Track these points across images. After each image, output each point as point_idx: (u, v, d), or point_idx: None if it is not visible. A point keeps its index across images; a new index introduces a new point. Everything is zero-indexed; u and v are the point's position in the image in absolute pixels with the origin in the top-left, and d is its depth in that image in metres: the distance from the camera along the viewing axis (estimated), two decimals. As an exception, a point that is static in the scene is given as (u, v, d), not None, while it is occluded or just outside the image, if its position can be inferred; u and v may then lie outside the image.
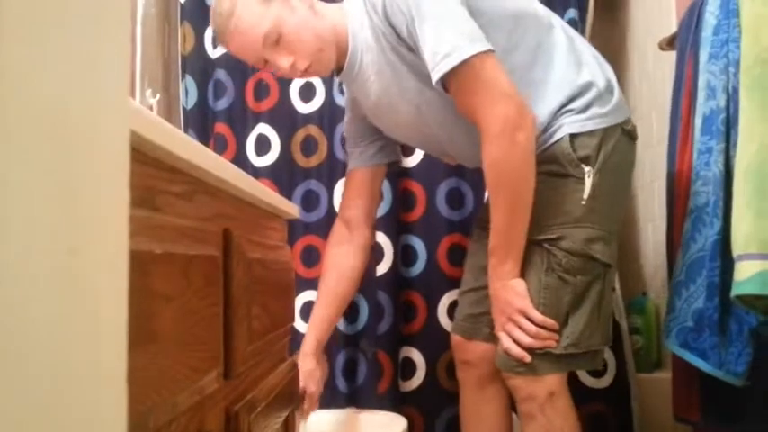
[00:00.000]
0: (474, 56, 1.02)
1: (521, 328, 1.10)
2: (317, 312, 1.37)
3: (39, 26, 0.20)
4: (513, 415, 1.35)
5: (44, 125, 0.20)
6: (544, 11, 1.23)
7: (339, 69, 1.23)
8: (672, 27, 1.65)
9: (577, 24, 1.68)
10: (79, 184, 0.23)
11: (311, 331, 1.35)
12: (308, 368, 1.31)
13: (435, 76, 1.05)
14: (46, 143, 0.20)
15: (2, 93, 0.18)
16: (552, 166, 1.12)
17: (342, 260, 1.37)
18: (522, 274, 1.12)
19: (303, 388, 1.29)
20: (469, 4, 1.11)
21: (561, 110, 1.14)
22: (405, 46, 1.12)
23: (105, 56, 0.24)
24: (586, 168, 1.12)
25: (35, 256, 0.20)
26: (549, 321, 1.09)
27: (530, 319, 1.09)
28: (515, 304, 1.10)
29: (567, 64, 1.17)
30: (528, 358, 1.09)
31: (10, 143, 0.18)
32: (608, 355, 1.62)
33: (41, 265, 0.20)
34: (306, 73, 1.19)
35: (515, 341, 1.10)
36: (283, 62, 1.16)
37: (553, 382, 1.11)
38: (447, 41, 1.03)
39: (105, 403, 0.25)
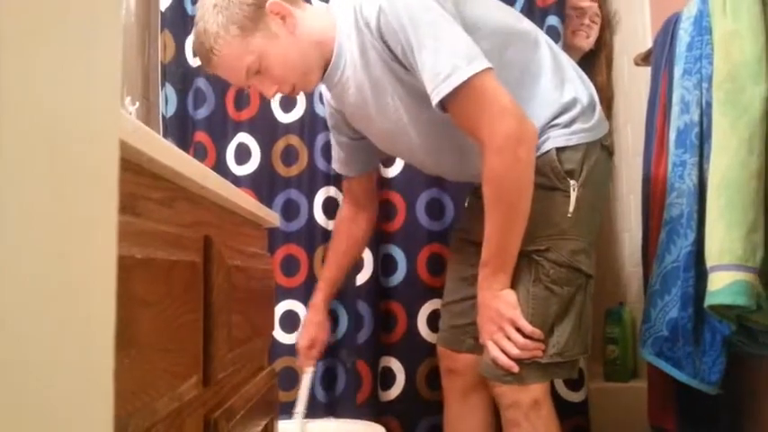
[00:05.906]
0: (473, 76, 1.02)
1: (509, 338, 1.10)
2: (324, 274, 1.52)
3: (35, 34, 0.20)
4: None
5: (37, 132, 0.21)
6: (530, 26, 1.24)
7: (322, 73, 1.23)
8: (647, 43, 1.68)
9: (558, 32, 1.69)
10: (70, 190, 0.23)
11: (320, 286, 1.50)
12: (319, 318, 1.47)
13: (435, 99, 1.04)
14: (38, 149, 0.21)
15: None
16: (539, 179, 1.12)
17: (350, 225, 1.50)
18: (511, 285, 1.13)
19: (313, 336, 1.45)
20: (463, 18, 1.11)
21: (547, 125, 1.16)
22: (398, 63, 1.11)
23: (98, 65, 0.25)
24: (572, 182, 1.14)
25: (26, 260, 0.20)
26: (538, 332, 1.10)
27: (518, 330, 1.10)
28: (506, 314, 1.11)
29: (553, 83, 1.18)
30: (516, 369, 1.10)
31: (2, 148, 0.19)
32: (583, 366, 1.62)
33: (32, 269, 0.21)
34: (292, 93, 1.21)
35: (503, 351, 1.11)
36: (268, 90, 1.18)
37: (537, 390, 1.12)
38: (445, 63, 1.03)
39: (92, 407, 0.25)
